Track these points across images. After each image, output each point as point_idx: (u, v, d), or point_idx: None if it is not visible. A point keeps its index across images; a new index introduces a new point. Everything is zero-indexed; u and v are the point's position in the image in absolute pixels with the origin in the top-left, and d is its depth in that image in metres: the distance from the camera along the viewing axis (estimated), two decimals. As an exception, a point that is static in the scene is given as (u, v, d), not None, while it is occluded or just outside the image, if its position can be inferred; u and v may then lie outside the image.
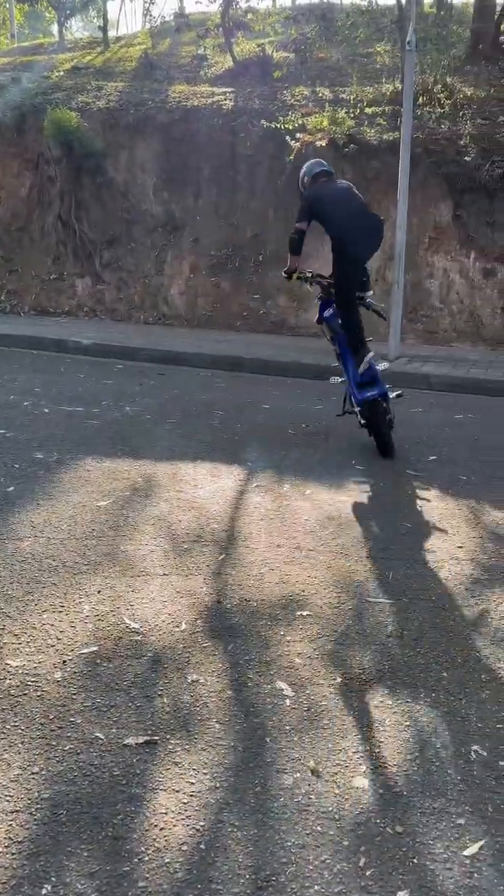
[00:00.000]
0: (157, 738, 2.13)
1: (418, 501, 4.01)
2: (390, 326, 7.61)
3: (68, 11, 18.04)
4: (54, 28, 20.24)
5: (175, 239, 10.29)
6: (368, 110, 9.45)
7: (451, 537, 3.54)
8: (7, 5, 19.52)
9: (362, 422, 4.74)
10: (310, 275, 5.03)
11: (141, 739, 2.12)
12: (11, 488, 3.99)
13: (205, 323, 9.89)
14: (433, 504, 3.97)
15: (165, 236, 10.32)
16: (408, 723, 2.22)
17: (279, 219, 9.49)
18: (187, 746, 2.10)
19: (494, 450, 4.97)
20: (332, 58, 11.89)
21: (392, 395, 4.73)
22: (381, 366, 4.83)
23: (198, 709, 2.27)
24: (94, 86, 11.70)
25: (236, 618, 2.79)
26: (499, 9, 10.86)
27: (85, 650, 2.54)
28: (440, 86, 9.49)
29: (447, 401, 6.46)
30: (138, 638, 2.62)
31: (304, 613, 2.82)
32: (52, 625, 2.70)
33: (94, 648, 2.55)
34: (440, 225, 8.81)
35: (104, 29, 15.19)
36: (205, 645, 2.60)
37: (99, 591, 2.94)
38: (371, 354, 4.67)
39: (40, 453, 4.58)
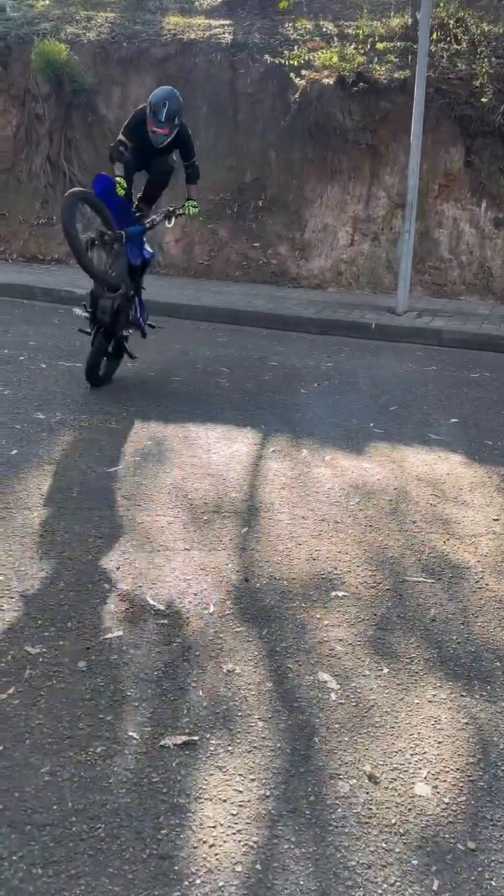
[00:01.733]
0: (196, 737, 1.96)
1: (445, 468, 3.81)
2: (400, 279, 7.30)
3: None
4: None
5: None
6: (379, 46, 8.92)
7: (484, 508, 3.36)
8: None
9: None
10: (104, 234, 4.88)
11: (179, 740, 1.94)
12: (14, 451, 3.75)
13: (202, 273, 9.49)
14: (461, 472, 3.78)
15: (161, 180, 9.81)
16: (465, 720, 2.06)
17: (281, 162, 9.04)
18: (230, 748, 1.93)
19: (516, 412, 4.77)
20: (337, -11, 11.21)
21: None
22: None
23: (237, 703, 2.09)
24: (83, 16, 10.97)
25: (267, 599, 2.60)
26: None
27: (109, 635, 2.35)
28: (454, 21, 8.94)
29: (460, 358, 6.22)
30: (165, 622, 2.44)
31: (340, 594, 2.64)
32: (72, 605, 2.50)
33: (119, 633, 2.36)
34: (451, 171, 8.41)
35: (91, -47, 14.23)
36: (237, 630, 2.42)
37: (118, 568, 2.74)
38: None
39: (41, 413, 4.33)
